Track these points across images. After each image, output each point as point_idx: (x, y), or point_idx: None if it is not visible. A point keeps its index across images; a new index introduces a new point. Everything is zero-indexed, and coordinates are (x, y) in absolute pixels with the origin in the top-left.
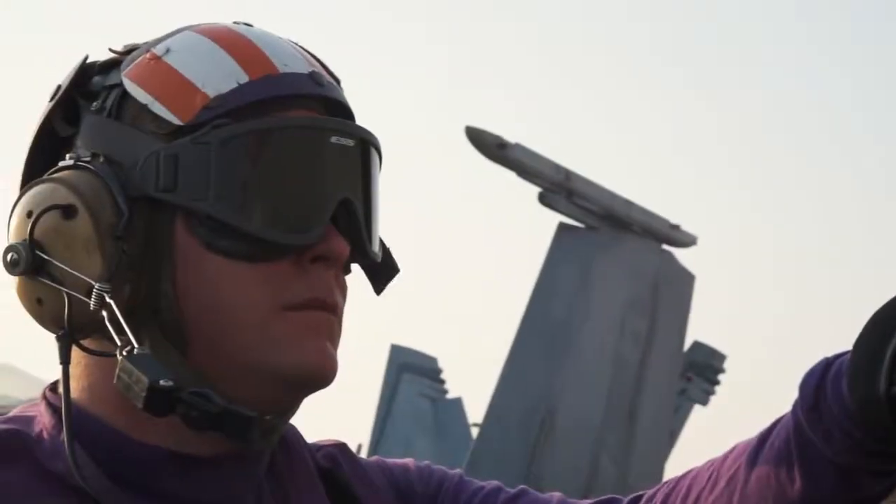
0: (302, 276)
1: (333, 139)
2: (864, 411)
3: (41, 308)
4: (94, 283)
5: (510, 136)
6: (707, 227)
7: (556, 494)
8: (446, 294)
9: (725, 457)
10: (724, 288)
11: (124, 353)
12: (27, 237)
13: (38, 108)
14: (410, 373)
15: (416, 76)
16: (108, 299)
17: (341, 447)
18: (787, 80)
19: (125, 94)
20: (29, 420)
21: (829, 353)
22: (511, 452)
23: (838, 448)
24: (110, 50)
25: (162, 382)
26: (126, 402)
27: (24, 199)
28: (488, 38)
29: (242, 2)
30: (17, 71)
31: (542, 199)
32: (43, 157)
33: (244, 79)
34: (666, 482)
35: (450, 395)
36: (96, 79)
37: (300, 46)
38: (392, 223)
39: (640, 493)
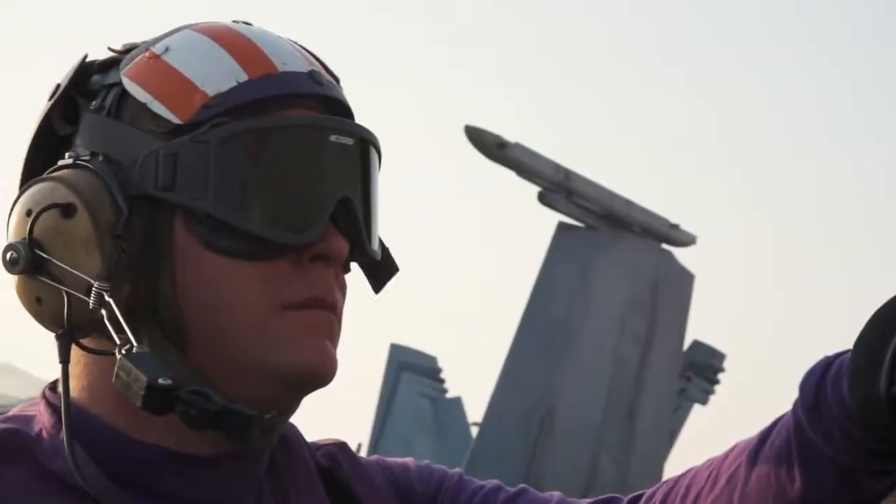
0: (301, 274)
1: (333, 138)
2: (865, 411)
3: (40, 307)
4: (93, 281)
5: (510, 136)
6: (707, 227)
7: (556, 494)
8: (446, 294)
9: (725, 456)
10: (723, 287)
11: (123, 352)
12: (26, 236)
13: (37, 106)
14: (410, 372)
15: (416, 76)
16: (107, 298)
17: (341, 446)
18: (787, 80)
19: (124, 93)
20: (28, 419)
21: (829, 353)
22: (511, 452)
23: (838, 448)
24: (109, 49)
25: (161, 381)
26: (125, 401)
27: (23, 197)
28: (488, 38)
29: (242, 1)
30: (17, 70)
31: (542, 199)
32: (42, 155)
33: (243, 77)
34: (665, 481)
35: (449, 395)
36: (95, 77)
37: (299, 45)
38: (392, 223)
39: (640, 492)
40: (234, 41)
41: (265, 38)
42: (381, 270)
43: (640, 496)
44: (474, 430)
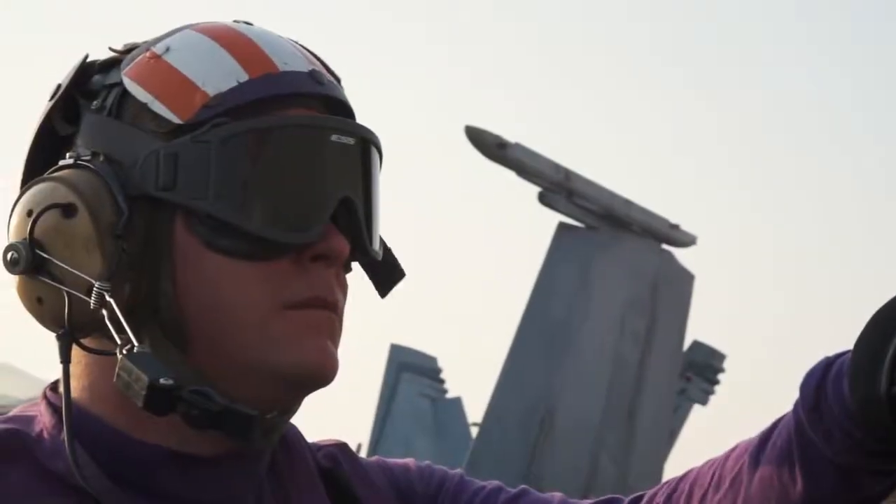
0: (302, 274)
1: (334, 138)
2: (865, 411)
3: (41, 307)
4: (94, 281)
5: (510, 136)
6: (707, 227)
7: (557, 495)
8: (446, 294)
9: (727, 457)
10: (723, 288)
11: (124, 352)
12: (27, 236)
13: (38, 107)
14: (410, 372)
15: (416, 76)
16: (108, 298)
17: (342, 447)
18: (787, 80)
19: (125, 93)
20: (29, 420)
21: (830, 353)
22: (511, 452)
23: (839, 448)
24: (110, 49)
25: (162, 381)
26: (126, 401)
27: (24, 197)
28: (488, 38)
29: (242, 1)
30: (17, 70)
31: (542, 199)
32: (43, 155)
33: (244, 77)
34: (665, 483)
35: (449, 395)
36: (96, 78)
37: (300, 45)
38: (392, 223)
39: (640, 493)
40: (234, 41)
41: (266, 37)
42: (385, 273)
43: (640, 497)
44: (474, 431)
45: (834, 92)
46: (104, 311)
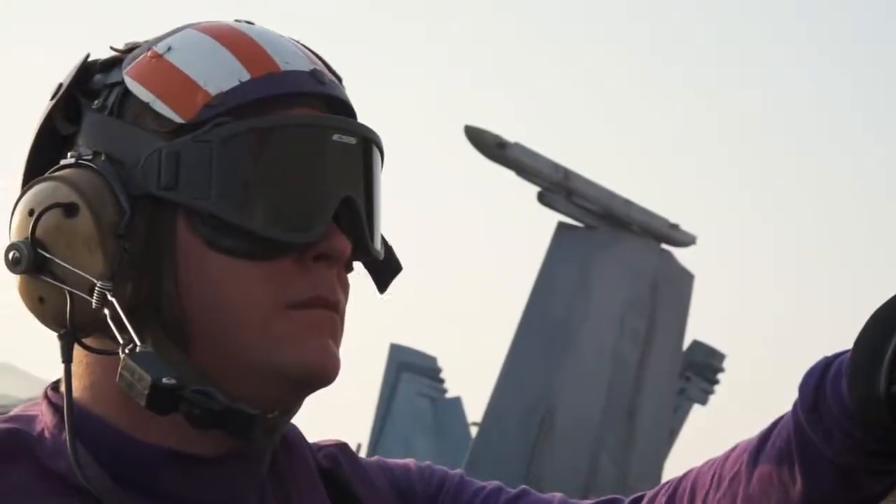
0: (304, 274)
1: (335, 137)
2: (864, 411)
3: (43, 306)
4: (96, 281)
5: (509, 136)
6: (706, 227)
7: (557, 495)
8: (446, 293)
9: (726, 457)
10: (723, 287)
11: (126, 351)
12: (29, 235)
13: (39, 106)
14: (410, 372)
15: (416, 76)
16: (110, 297)
17: (342, 447)
18: (787, 80)
19: (127, 93)
20: (30, 419)
21: (829, 353)
22: (510, 452)
23: (838, 448)
24: (112, 48)
25: (165, 380)
26: (128, 400)
27: (25, 197)
28: (488, 38)
29: (243, 1)
30: (18, 69)
31: (542, 199)
32: (44, 155)
33: (246, 77)
34: (665, 483)
35: (449, 395)
36: (98, 77)
37: (301, 44)
38: (392, 223)
39: (640, 494)
40: (236, 40)
41: (267, 37)
42: (384, 269)
43: (640, 498)
44: (474, 430)
45: (834, 92)
46: (106, 311)
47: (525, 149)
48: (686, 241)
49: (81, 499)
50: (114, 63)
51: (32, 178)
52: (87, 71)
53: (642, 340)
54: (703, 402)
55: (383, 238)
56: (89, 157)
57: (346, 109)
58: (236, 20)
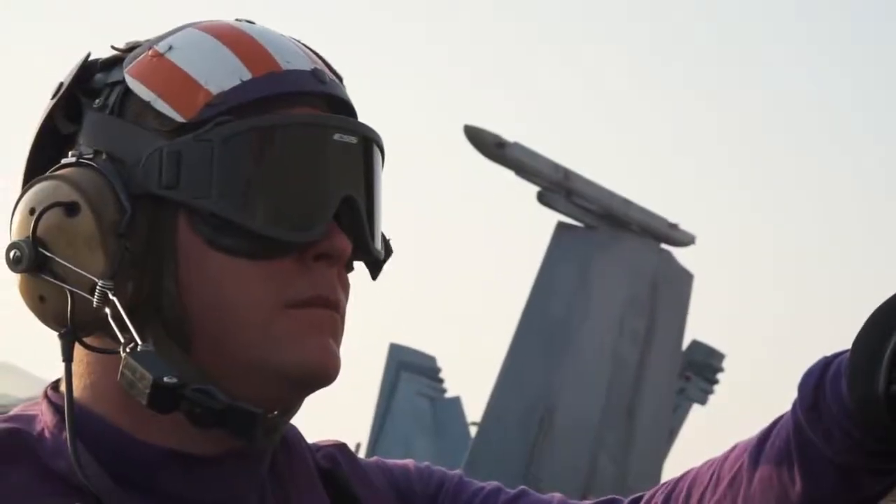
0: (305, 273)
1: (336, 136)
2: (864, 410)
3: (44, 305)
4: (97, 280)
5: (509, 136)
6: (706, 227)
7: (557, 495)
8: (445, 293)
9: (726, 457)
10: (722, 287)
11: (128, 350)
12: (30, 234)
13: (39, 106)
14: (409, 372)
15: (416, 76)
16: (110, 296)
17: (341, 447)
18: (787, 80)
19: (127, 92)
20: (30, 419)
21: (829, 353)
22: (510, 451)
23: (838, 448)
24: (113, 47)
25: (166, 379)
26: (129, 400)
27: (26, 196)
28: (488, 38)
29: (244, 1)
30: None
31: (541, 199)
32: (45, 154)
33: (247, 76)
34: (664, 483)
35: (448, 394)
36: (98, 76)
37: (302, 44)
38: (391, 222)
39: (640, 494)
40: (237, 39)
41: (268, 36)
42: (382, 264)
43: (639, 498)
44: (473, 430)
45: (834, 92)
46: (107, 310)
47: (524, 148)
48: (685, 240)
49: (82, 498)
50: (115, 62)
51: (33, 177)
52: (88, 70)
53: (642, 340)
54: (703, 401)
55: (383, 236)
56: (90, 156)
57: (346, 109)
58: (237, 19)
